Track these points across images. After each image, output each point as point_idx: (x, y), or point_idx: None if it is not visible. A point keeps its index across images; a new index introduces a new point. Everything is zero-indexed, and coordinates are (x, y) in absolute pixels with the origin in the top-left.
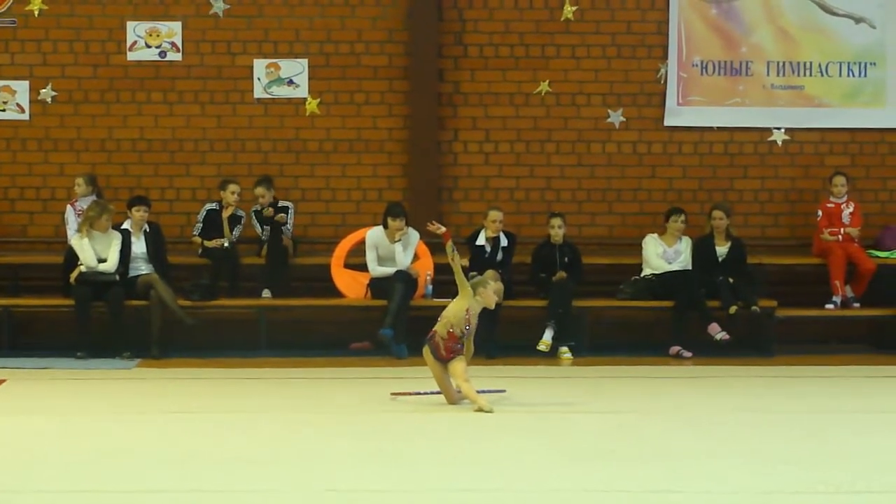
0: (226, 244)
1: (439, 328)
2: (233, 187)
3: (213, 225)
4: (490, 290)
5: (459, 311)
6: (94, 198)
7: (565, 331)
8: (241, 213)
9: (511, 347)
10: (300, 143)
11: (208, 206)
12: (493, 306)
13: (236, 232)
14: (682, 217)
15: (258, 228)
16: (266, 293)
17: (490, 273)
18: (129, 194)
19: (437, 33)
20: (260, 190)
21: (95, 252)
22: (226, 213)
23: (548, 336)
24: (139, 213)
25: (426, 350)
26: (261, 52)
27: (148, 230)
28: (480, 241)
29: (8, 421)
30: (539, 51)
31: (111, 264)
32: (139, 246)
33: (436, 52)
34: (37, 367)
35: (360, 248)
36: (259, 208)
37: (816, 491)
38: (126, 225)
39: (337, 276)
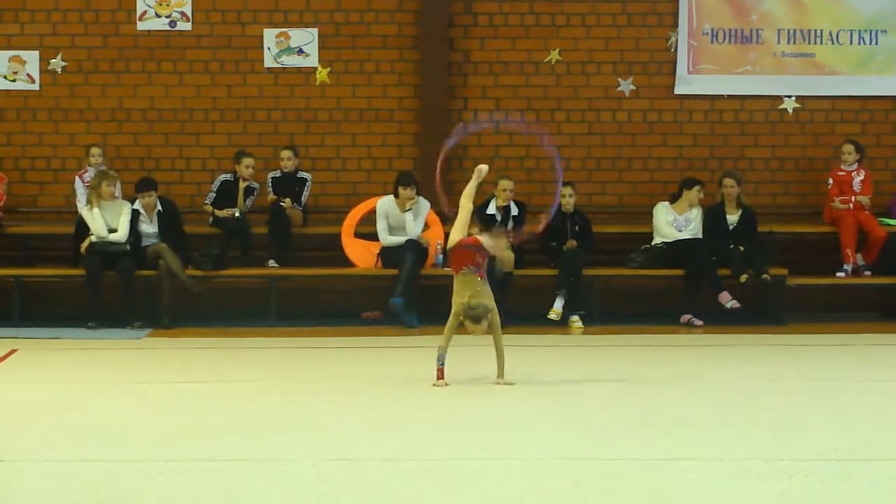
0: (237, 214)
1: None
2: (247, 161)
3: (226, 195)
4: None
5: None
6: (102, 168)
7: (576, 299)
8: (255, 184)
9: (521, 316)
10: (310, 112)
11: (223, 176)
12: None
13: (249, 203)
14: (702, 188)
15: (270, 195)
16: (272, 263)
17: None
18: (140, 164)
19: (447, 2)
20: (287, 153)
21: (105, 222)
22: (242, 185)
23: (558, 305)
24: (144, 199)
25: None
26: (271, 21)
27: (161, 210)
28: (491, 209)
29: (19, 390)
30: (549, 19)
31: (121, 234)
32: (150, 227)
33: (446, 20)
34: (47, 336)
35: (370, 217)
36: (279, 175)
37: (828, 458)
38: (136, 205)
39: (347, 246)
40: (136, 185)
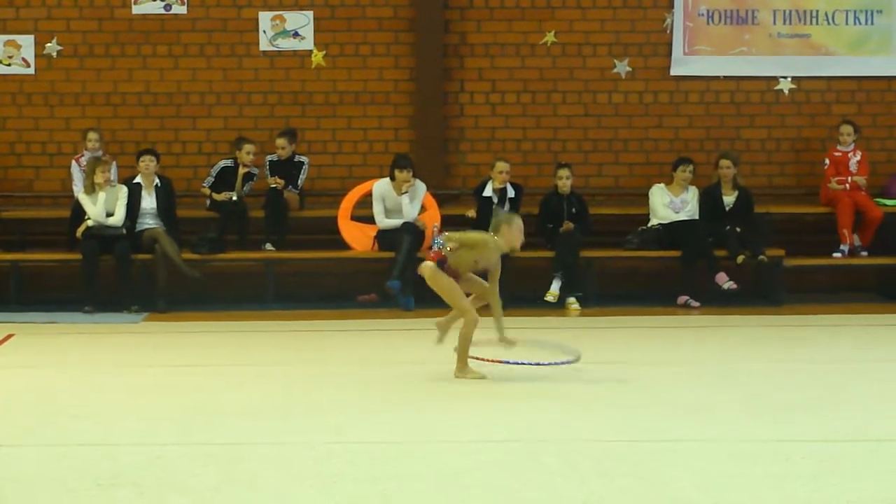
0: (234, 197)
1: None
2: (248, 147)
3: (225, 181)
4: (514, 228)
5: (468, 259)
6: (98, 153)
7: (573, 281)
8: (255, 170)
9: (519, 298)
10: (306, 95)
11: (223, 162)
12: (517, 247)
13: (247, 188)
14: (690, 167)
15: (268, 178)
16: (268, 246)
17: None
18: (136, 148)
19: None
20: (281, 141)
21: (103, 206)
22: (241, 171)
23: (555, 287)
24: (144, 162)
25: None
26: (266, 4)
27: (159, 185)
28: (487, 192)
29: (15, 375)
30: (545, 1)
31: (118, 218)
32: (149, 201)
33: (441, 3)
34: (44, 321)
35: (366, 200)
36: (276, 158)
37: (825, 439)
38: (137, 179)
39: (344, 229)
40: (136, 154)
